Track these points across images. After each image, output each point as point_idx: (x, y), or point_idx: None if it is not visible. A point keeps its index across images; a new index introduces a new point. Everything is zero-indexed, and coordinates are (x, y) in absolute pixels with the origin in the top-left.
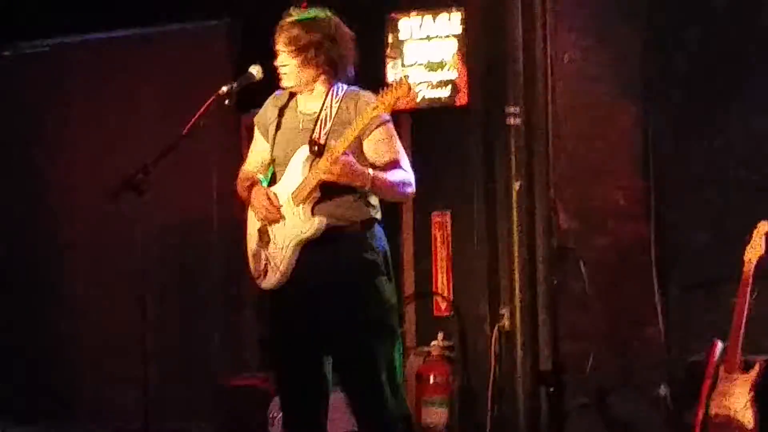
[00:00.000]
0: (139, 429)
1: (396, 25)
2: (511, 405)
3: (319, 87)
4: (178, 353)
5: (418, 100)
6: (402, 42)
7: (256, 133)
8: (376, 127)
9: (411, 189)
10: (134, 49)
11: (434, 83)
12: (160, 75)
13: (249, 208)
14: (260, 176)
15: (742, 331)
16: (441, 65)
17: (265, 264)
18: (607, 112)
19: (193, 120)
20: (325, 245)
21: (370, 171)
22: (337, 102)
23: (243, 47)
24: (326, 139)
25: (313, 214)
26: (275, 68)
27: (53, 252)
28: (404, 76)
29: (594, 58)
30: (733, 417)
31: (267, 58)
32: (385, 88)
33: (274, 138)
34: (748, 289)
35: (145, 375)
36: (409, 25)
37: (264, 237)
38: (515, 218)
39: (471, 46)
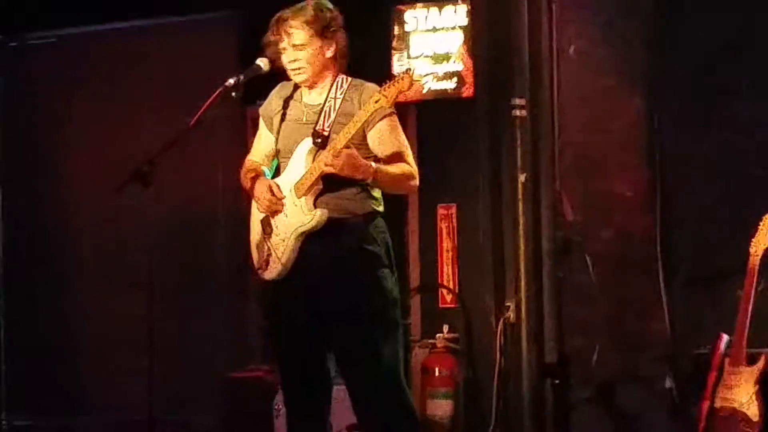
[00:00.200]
0: (144, 421)
1: (402, 17)
2: (517, 397)
3: (325, 78)
4: (184, 345)
5: (424, 91)
6: (408, 34)
7: (261, 124)
8: (380, 120)
9: (414, 182)
10: (140, 40)
11: (440, 75)
12: (166, 67)
13: (252, 199)
14: (264, 168)
15: (748, 324)
16: (447, 57)
17: (267, 255)
18: (613, 104)
19: (199, 112)
20: (327, 237)
21: (373, 164)
22: (341, 93)
23: (249, 39)
24: (330, 130)
25: (315, 206)
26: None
27: (59, 245)
28: (407, 70)
29: (600, 50)
30: (738, 410)
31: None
32: (387, 81)
33: (279, 129)
34: (754, 282)
35: (150, 367)
36: (415, 17)
37: (266, 228)
38: (521, 211)
39: (477, 37)
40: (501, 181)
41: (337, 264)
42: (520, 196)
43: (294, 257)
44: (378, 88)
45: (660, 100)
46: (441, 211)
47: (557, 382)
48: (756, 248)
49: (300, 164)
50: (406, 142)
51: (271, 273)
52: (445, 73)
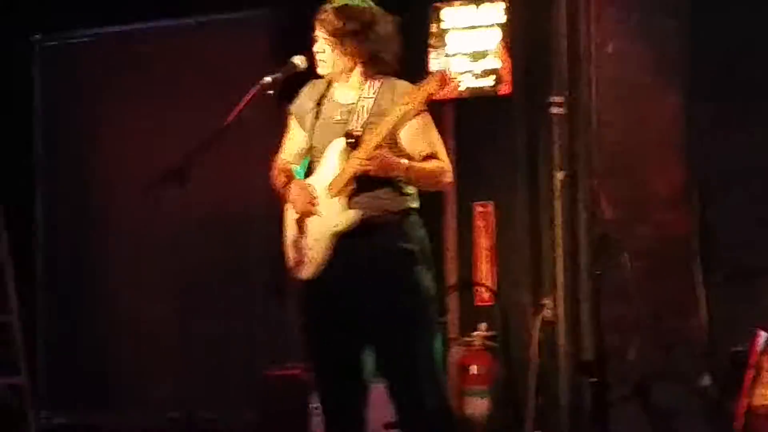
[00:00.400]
0: (181, 418)
1: (439, 15)
2: (554, 395)
3: (356, 77)
4: (221, 343)
5: (462, 89)
6: (445, 31)
7: (293, 123)
8: (412, 117)
9: (448, 178)
10: (176, 39)
11: (478, 73)
12: (202, 65)
13: (285, 199)
14: (296, 167)
15: None
16: (484, 55)
17: (302, 255)
18: (651, 102)
19: (236, 111)
20: (362, 236)
21: (405, 162)
22: (373, 93)
23: (285, 37)
24: (362, 130)
25: (349, 206)
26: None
27: (96, 244)
28: (437, 72)
29: (637, 48)
30: None
31: (309, 48)
32: (418, 82)
33: (312, 128)
34: None
35: (187, 365)
36: (453, 15)
37: (301, 228)
38: (558, 208)
39: (514, 35)
40: (538, 179)
41: (373, 263)
42: (557, 194)
43: (328, 257)
44: (410, 86)
45: (697, 97)
46: (478, 209)
47: (594, 380)
48: None
49: (333, 164)
50: (439, 139)
51: (305, 272)
52: (482, 71)
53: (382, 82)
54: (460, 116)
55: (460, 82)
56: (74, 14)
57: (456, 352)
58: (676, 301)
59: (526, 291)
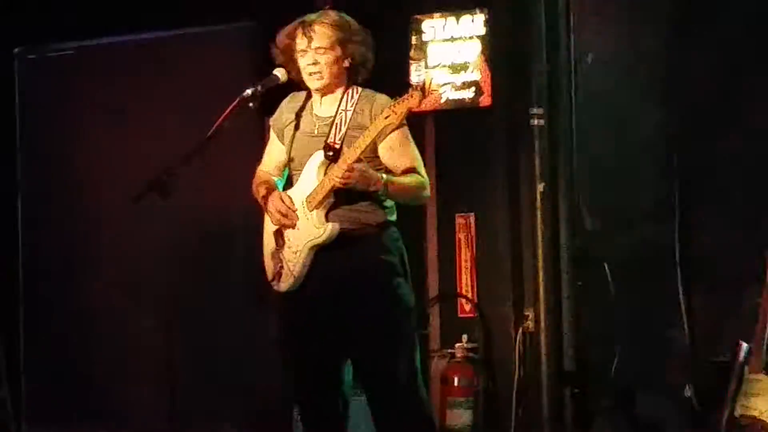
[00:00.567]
0: (164, 430)
1: (420, 27)
2: (536, 406)
3: (337, 89)
4: (205, 355)
5: (442, 101)
6: (425, 43)
7: (272, 135)
8: (391, 131)
9: (426, 192)
10: (157, 52)
11: (458, 85)
12: (183, 78)
13: (265, 211)
14: (276, 179)
15: (767, 332)
16: (464, 66)
17: (280, 267)
18: (631, 113)
19: (217, 123)
20: (341, 249)
21: (384, 176)
22: (351, 105)
23: (266, 50)
24: (341, 143)
25: (327, 219)
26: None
27: (79, 258)
28: (417, 86)
29: (617, 59)
30: (758, 418)
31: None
32: (397, 96)
33: (292, 140)
34: None
35: (171, 377)
36: (433, 27)
37: (279, 240)
38: (539, 220)
39: (494, 47)
40: (519, 191)
41: (352, 275)
42: (538, 205)
43: (307, 270)
44: (389, 99)
45: (677, 108)
46: (459, 221)
47: (577, 390)
48: None
49: (312, 177)
50: (417, 154)
51: (283, 285)
52: (462, 83)
53: (360, 94)
54: (441, 128)
55: (441, 93)
56: (56, 27)
57: (438, 364)
58: (657, 311)
59: (508, 302)
